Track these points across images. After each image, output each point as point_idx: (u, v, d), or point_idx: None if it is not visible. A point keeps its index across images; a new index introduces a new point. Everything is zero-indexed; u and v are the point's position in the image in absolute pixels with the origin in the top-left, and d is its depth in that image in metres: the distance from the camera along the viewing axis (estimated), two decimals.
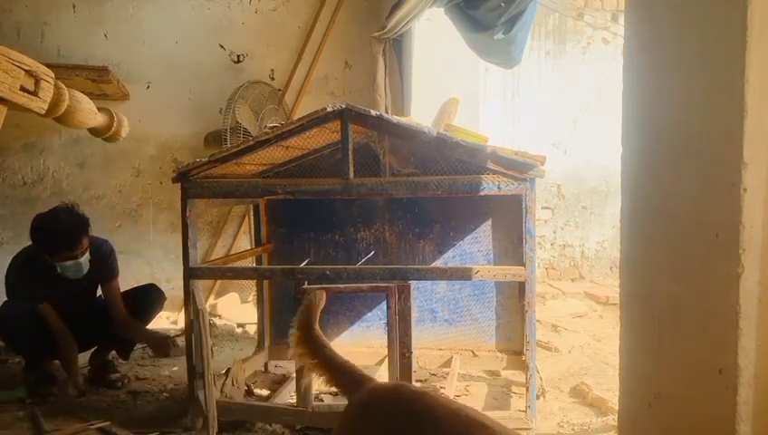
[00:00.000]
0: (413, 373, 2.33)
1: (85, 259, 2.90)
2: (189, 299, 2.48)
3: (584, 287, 5.20)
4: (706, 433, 1.10)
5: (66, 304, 2.97)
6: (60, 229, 2.80)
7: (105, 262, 3.07)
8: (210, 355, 2.23)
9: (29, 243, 2.94)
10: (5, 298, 3.00)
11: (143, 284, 3.28)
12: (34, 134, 4.66)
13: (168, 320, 4.25)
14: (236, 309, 4.62)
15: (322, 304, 1.77)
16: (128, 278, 3.42)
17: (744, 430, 1.01)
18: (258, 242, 3.25)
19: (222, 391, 2.62)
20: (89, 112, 2.82)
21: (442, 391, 2.77)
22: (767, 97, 0.99)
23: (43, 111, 2.27)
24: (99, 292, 3.20)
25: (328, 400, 2.81)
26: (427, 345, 3.14)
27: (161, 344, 2.94)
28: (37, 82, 2.16)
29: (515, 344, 3.08)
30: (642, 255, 1.32)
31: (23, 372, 2.99)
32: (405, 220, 3.14)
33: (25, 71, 2.08)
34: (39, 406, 2.72)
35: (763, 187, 1.00)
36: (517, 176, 2.28)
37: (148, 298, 3.16)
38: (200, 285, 2.52)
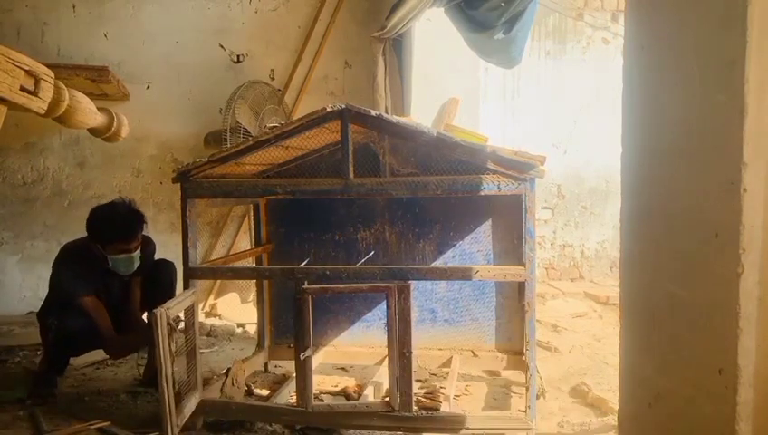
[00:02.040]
0: (413, 373, 2.33)
1: (137, 255, 2.90)
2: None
3: (584, 287, 5.20)
4: (706, 433, 1.10)
5: (110, 301, 2.95)
6: (118, 219, 2.83)
7: (148, 259, 3.07)
8: (168, 357, 2.17)
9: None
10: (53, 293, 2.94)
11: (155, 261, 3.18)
12: (34, 134, 4.66)
13: None
14: (236, 309, 4.62)
15: None
16: None
17: (743, 429, 1.01)
18: (258, 242, 3.25)
19: (222, 391, 2.62)
20: (89, 112, 2.82)
21: (442, 391, 2.78)
22: (767, 97, 0.99)
23: (43, 111, 2.27)
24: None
25: (328, 399, 2.82)
26: (427, 345, 3.14)
27: None
28: (37, 82, 2.16)
29: (515, 344, 3.08)
30: (642, 255, 1.32)
31: (29, 372, 2.97)
32: (405, 220, 3.14)
33: (25, 71, 2.08)
34: (39, 406, 2.72)
35: (763, 187, 1.00)
36: (517, 176, 2.28)
37: (164, 279, 3.09)
38: (199, 285, 2.50)
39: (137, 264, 2.92)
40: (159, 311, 2.14)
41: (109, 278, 2.96)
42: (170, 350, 2.17)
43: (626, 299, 1.40)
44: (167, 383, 2.14)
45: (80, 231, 3.25)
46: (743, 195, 0.99)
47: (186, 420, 2.33)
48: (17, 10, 4.70)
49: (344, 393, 2.90)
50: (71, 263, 2.91)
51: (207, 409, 2.50)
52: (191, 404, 2.40)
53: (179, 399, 2.31)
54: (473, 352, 3.13)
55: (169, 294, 3.05)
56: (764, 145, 1.00)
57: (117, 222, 2.83)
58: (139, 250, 2.90)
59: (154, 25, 4.74)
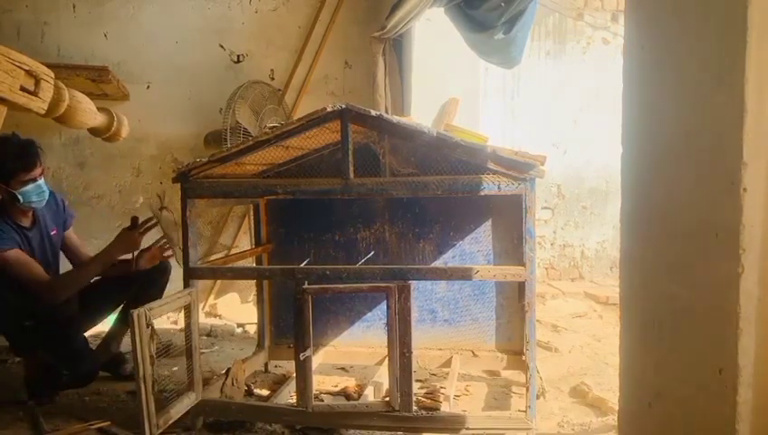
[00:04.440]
0: (413, 373, 2.33)
1: (44, 183, 2.81)
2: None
3: (584, 287, 5.20)
4: (706, 433, 1.10)
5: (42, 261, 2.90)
6: (12, 149, 2.73)
7: (62, 209, 3.07)
8: (147, 358, 2.15)
9: None
10: None
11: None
12: (34, 134, 4.60)
13: (168, 320, 4.25)
14: (236, 309, 4.63)
15: None
16: None
17: (743, 429, 1.01)
18: (258, 242, 3.25)
19: (222, 391, 2.63)
20: (89, 112, 2.83)
21: (442, 391, 2.78)
22: (767, 97, 0.99)
23: (43, 111, 2.28)
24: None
25: (328, 400, 2.82)
26: (427, 345, 3.14)
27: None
28: (37, 82, 2.16)
29: (515, 344, 3.08)
30: (642, 255, 1.32)
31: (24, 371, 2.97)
32: (405, 220, 3.14)
33: (25, 71, 2.09)
34: (39, 406, 2.72)
35: (763, 187, 1.00)
36: (517, 176, 2.28)
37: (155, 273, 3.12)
38: (200, 285, 2.50)
39: (48, 193, 2.84)
40: (139, 311, 2.12)
41: (33, 236, 2.89)
42: (150, 351, 2.15)
43: (626, 299, 1.40)
44: (145, 385, 2.13)
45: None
46: (743, 195, 0.99)
47: (175, 419, 2.32)
48: (17, 10, 4.70)
49: (344, 393, 2.90)
50: None
51: (207, 409, 2.50)
52: (183, 404, 2.39)
53: (164, 399, 2.30)
54: (473, 352, 3.13)
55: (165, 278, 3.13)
56: (764, 145, 1.00)
57: (13, 152, 2.73)
58: (43, 178, 2.81)
59: (154, 25, 4.74)
